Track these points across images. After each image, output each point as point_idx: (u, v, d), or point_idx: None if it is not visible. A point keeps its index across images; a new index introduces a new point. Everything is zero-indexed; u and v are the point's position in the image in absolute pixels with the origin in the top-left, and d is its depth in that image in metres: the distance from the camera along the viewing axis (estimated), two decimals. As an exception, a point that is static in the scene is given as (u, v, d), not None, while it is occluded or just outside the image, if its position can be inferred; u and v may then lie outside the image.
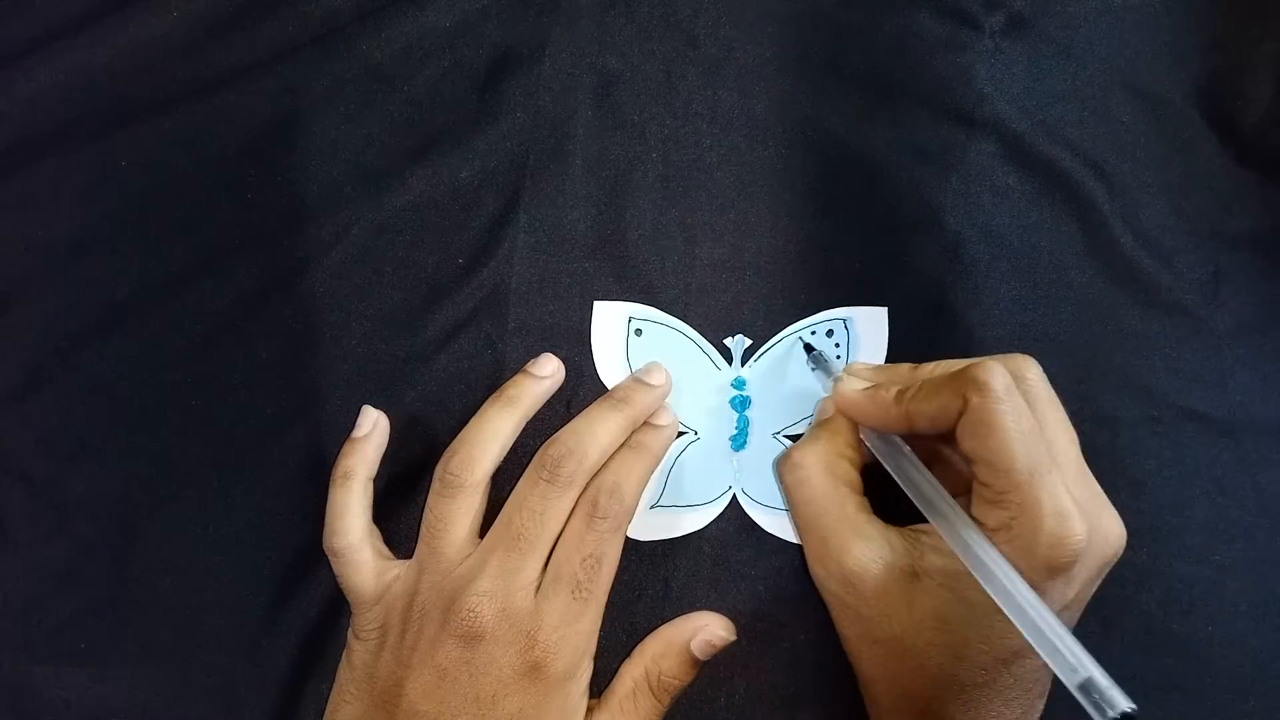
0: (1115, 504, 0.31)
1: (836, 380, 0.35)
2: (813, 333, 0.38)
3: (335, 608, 0.36)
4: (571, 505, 0.33)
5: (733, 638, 0.34)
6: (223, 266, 0.39)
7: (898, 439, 0.33)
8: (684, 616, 0.35)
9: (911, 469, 0.32)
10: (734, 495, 0.37)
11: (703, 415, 0.37)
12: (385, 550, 0.35)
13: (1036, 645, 0.26)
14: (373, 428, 0.36)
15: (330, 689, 0.34)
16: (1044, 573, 0.28)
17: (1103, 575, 0.31)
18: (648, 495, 0.36)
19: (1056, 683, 0.28)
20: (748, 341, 0.38)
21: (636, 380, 0.36)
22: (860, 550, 0.32)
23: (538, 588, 0.32)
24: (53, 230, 0.39)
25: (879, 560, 0.31)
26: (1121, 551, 0.31)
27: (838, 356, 0.38)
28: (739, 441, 0.37)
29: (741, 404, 0.37)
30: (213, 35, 0.40)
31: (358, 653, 0.34)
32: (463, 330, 0.38)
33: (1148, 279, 0.39)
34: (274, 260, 0.39)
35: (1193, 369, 0.39)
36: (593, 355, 0.38)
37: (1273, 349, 0.39)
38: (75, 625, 0.36)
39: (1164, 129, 0.40)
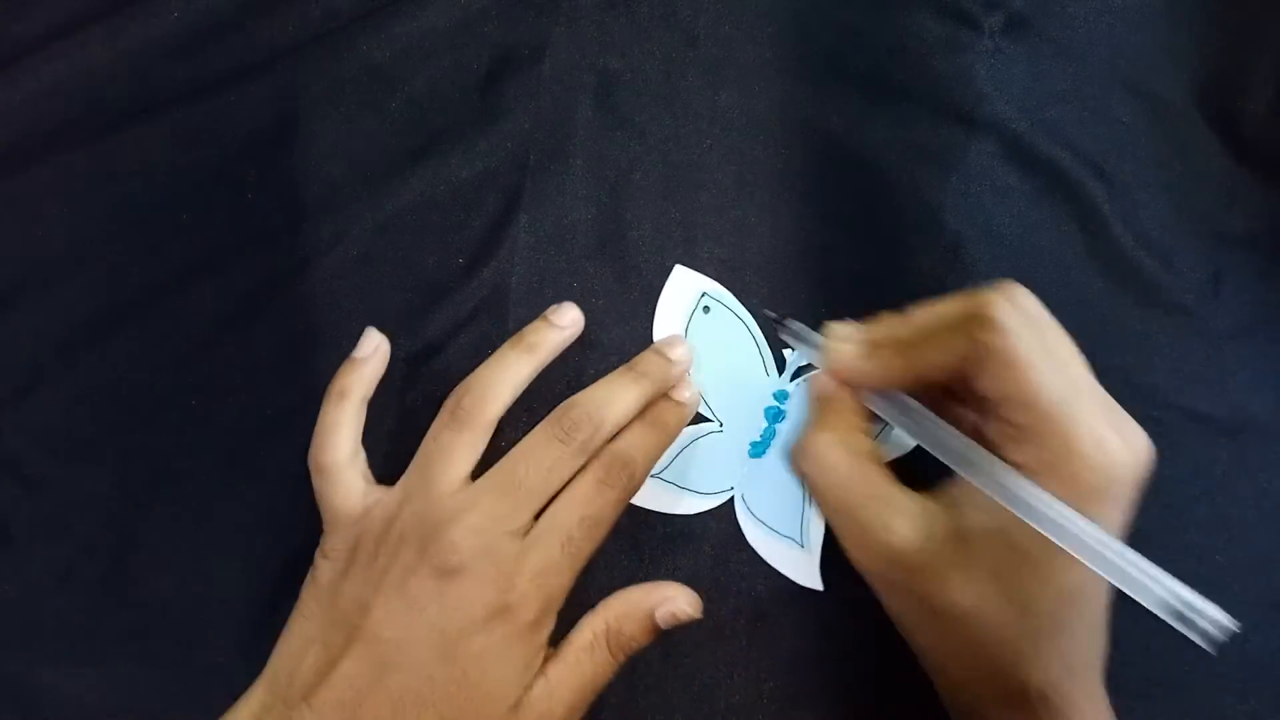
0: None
1: (823, 349, 0.32)
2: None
3: (335, 608, 0.36)
4: (578, 468, 0.33)
5: (698, 615, 0.34)
6: (223, 266, 0.39)
7: (904, 396, 0.31)
8: (653, 583, 0.35)
9: (933, 425, 0.30)
10: (733, 497, 0.37)
11: (735, 410, 0.37)
12: (370, 475, 0.35)
13: (1111, 576, 0.25)
14: (374, 351, 0.36)
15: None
16: (1092, 501, 0.27)
17: (1140, 493, 0.29)
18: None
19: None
20: (804, 361, 0.37)
21: (659, 354, 0.36)
22: (901, 526, 0.30)
23: (524, 537, 0.32)
24: (53, 230, 0.39)
25: (922, 531, 0.29)
26: (1153, 464, 0.29)
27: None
28: (759, 449, 0.37)
29: (775, 415, 0.37)
30: (213, 35, 0.40)
31: (323, 571, 0.33)
32: (463, 330, 0.38)
33: (1148, 279, 0.39)
34: (274, 260, 0.39)
35: (1193, 369, 0.39)
36: (655, 312, 0.38)
37: (1273, 349, 0.39)
38: (75, 625, 0.36)
39: (1164, 129, 0.40)
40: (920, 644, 0.32)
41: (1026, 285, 0.39)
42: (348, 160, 0.39)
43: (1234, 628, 0.23)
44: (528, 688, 0.31)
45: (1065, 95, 0.40)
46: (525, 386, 0.35)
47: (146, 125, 0.40)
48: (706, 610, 0.36)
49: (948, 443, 0.30)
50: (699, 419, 0.37)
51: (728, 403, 0.37)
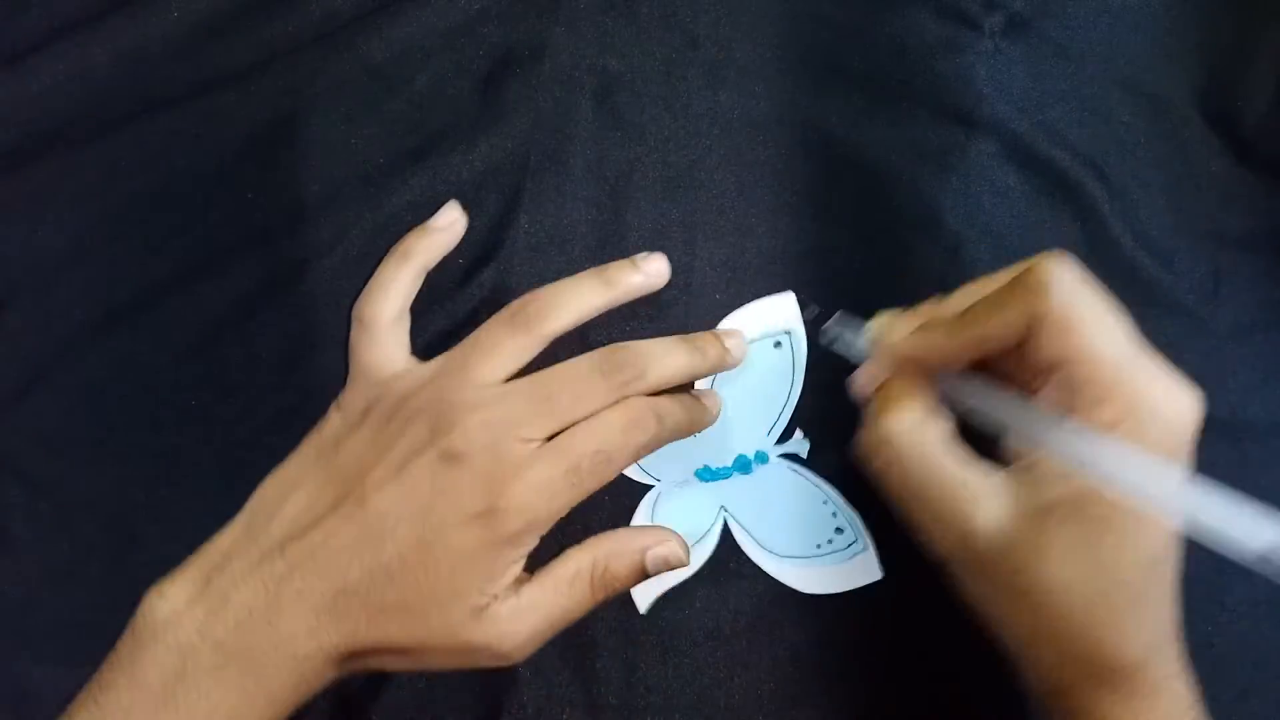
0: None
1: (875, 332, 0.32)
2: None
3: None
4: (606, 406, 0.32)
5: (687, 563, 0.33)
6: (223, 266, 0.39)
7: (972, 376, 0.31)
8: (646, 526, 0.34)
9: (1004, 399, 0.30)
10: (725, 521, 0.37)
11: (706, 445, 0.37)
12: (408, 345, 0.35)
13: (1209, 527, 0.25)
14: (449, 225, 0.37)
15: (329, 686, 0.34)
16: (1171, 454, 0.28)
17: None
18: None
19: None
20: (799, 450, 0.38)
21: (719, 339, 0.35)
22: (983, 512, 0.29)
23: (534, 449, 0.31)
24: (53, 230, 0.39)
25: (1005, 512, 0.29)
26: (1203, 415, 0.29)
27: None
28: (718, 474, 0.37)
29: (743, 467, 0.38)
30: (213, 35, 0.40)
31: (333, 422, 0.33)
32: (463, 330, 0.38)
33: (1148, 279, 0.39)
34: (274, 260, 0.39)
35: (1193, 369, 0.39)
36: (749, 306, 0.38)
37: (1272, 349, 0.39)
38: (75, 625, 0.36)
39: (1164, 129, 0.40)
40: (1008, 629, 0.31)
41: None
42: (348, 160, 0.39)
43: None
44: (495, 597, 0.30)
45: (1065, 95, 0.40)
46: (590, 318, 0.34)
47: (146, 125, 0.40)
48: (707, 610, 0.36)
49: (1022, 412, 0.29)
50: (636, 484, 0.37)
51: (709, 433, 0.37)
